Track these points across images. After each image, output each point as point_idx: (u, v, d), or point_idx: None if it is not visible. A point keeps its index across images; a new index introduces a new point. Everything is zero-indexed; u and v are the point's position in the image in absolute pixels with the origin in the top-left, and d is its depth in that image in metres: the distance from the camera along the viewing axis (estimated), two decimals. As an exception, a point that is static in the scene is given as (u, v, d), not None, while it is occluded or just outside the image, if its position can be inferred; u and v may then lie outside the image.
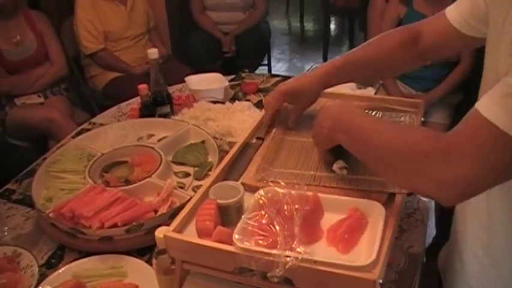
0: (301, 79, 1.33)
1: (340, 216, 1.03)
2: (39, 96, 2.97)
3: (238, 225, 0.97)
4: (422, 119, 1.38)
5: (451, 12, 1.15)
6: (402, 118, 1.36)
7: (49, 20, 3.08)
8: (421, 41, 1.23)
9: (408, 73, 2.68)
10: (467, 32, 1.12)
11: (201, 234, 0.99)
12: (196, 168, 1.64)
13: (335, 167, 1.12)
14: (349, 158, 1.12)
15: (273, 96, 1.36)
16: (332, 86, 1.34)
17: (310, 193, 1.03)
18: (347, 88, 1.94)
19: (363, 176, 1.12)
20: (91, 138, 1.80)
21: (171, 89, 2.20)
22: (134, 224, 1.35)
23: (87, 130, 1.97)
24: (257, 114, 1.65)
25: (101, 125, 2.03)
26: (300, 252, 0.89)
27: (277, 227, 0.94)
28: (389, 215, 1.01)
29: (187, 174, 1.64)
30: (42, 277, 1.28)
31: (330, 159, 1.15)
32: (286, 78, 2.42)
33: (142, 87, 1.94)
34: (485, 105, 0.79)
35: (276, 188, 1.03)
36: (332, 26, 6.06)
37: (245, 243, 0.92)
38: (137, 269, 1.29)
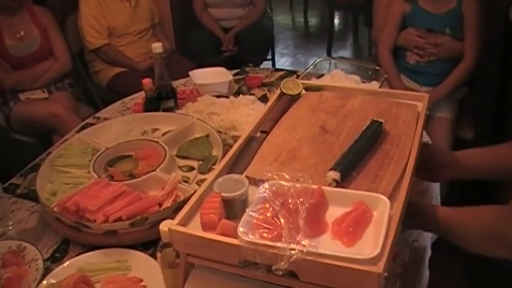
0: None
1: (345, 209, 1.02)
2: (43, 91, 2.98)
3: (243, 218, 0.96)
4: (427, 112, 1.37)
5: None
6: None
7: (53, 15, 3.07)
8: None
9: (412, 67, 2.67)
10: None
11: (205, 227, 0.99)
12: (201, 162, 1.65)
13: (329, 173, 1.11)
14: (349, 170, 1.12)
15: None
16: None
17: (314, 186, 1.02)
18: (352, 82, 1.93)
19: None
20: (95, 133, 1.81)
21: (175, 84, 2.20)
22: (139, 217, 1.36)
23: (92, 125, 1.97)
24: (261, 108, 1.65)
25: (105, 119, 2.03)
26: (304, 245, 0.89)
27: (282, 220, 0.94)
28: (394, 209, 1.00)
29: (191, 168, 1.64)
30: (46, 271, 1.29)
31: None
32: (290, 72, 2.42)
33: (147, 82, 1.94)
34: None
35: (281, 181, 1.03)
36: (336, 21, 6.03)
37: (250, 236, 0.92)
38: (142, 263, 1.29)
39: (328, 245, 0.95)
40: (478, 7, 2.51)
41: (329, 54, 4.96)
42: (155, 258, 1.24)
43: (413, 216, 1.19)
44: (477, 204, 1.17)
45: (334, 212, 1.03)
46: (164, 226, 1.06)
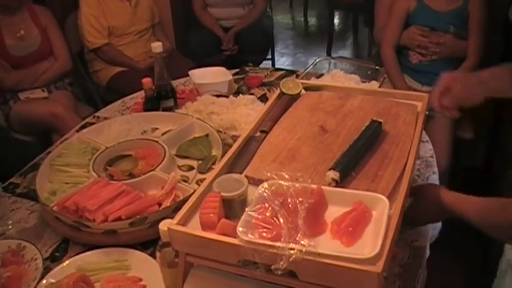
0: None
1: (345, 209, 1.02)
2: (43, 90, 2.97)
3: (242, 218, 0.97)
4: (427, 112, 1.37)
5: None
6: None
7: (53, 14, 3.07)
8: None
9: (414, 67, 2.67)
10: None
11: (205, 227, 0.99)
12: (200, 162, 1.65)
13: (328, 173, 1.11)
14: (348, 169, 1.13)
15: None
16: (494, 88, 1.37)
17: (314, 186, 1.03)
18: (351, 81, 1.94)
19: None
20: (95, 132, 1.81)
21: (175, 83, 2.20)
22: (138, 217, 1.36)
23: (91, 124, 1.97)
24: (261, 108, 1.65)
25: (105, 118, 2.03)
26: (304, 245, 0.89)
27: (281, 220, 0.94)
28: (393, 208, 1.01)
29: (191, 168, 1.64)
30: (46, 270, 1.29)
31: None
32: (290, 72, 2.42)
33: (146, 81, 1.94)
34: None
35: (280, 181, 1.03)
36: (336, 21, 6.03)
37: (249, 235, 0.92)
38: (141, 262, 1.29)
39: (327, 245, 0.95)
40: (484, 7, 2.51)
41: (329, 54, 4.95)
42: (154, 257, 1.24)
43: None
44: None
45: (333, 212, 1.03)
46: (163, 225, 1.06)
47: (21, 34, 2.87)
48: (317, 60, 2.12)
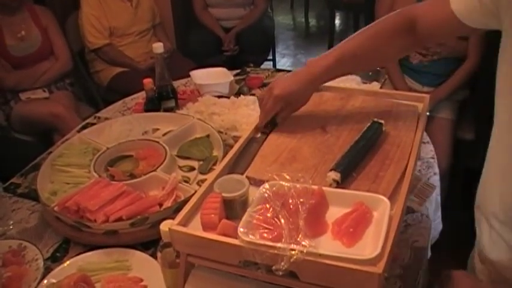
0: (295, 83, 1.29)
1: (345, 210, 1.02)
2: (44, 91, 2.98)
3: (243, 218, 0.96)
4: (428, 113, 1.37)
5: (456, 4, 1.10)
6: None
7: (54, 15, 3.08)
8: (419, 29, 1.20)
9: (415, 67, 2.67)
10: (471, 24, 1.11)
11: (206, 227, 0.99)
12: (201, 162, 1.65)
13: (329, 174, 1.11)
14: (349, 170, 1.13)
15: (271, 102, 1.30)
16: (326, 82, 1.34)
17: (315, 187, 1.03)
18: (352, 82, 1.94)
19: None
20: (96, 133, 1.81)
21: (176, 84, 2.20)
22: (139, 217, 1.36)
23: (92, 124, 1.97)
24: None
25: (106, 119, 2.03)
26: (305, 246, 0.89)
27: (282, 221, 0.94)
28: (394, 209, 1.01)
29: (192, 168, 1.64)
30: (47, 270, 1.29)
31: None
32: (291, 73, 2.42)
33: (147, 82, 1.94)
34: None
35: (281, 182, 1.03)
36: (337, 22, 6.04)
37: (250, 236, 0.92)
38: (142, 263, 1.29)
39: (328, 246, 0.95)
40: None
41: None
42: (155, 258, 1.24)
43: None
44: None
45: (334, 213, 1.03)
46: (164, 226, 1.06)
47: (22, 34, 2.87)
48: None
